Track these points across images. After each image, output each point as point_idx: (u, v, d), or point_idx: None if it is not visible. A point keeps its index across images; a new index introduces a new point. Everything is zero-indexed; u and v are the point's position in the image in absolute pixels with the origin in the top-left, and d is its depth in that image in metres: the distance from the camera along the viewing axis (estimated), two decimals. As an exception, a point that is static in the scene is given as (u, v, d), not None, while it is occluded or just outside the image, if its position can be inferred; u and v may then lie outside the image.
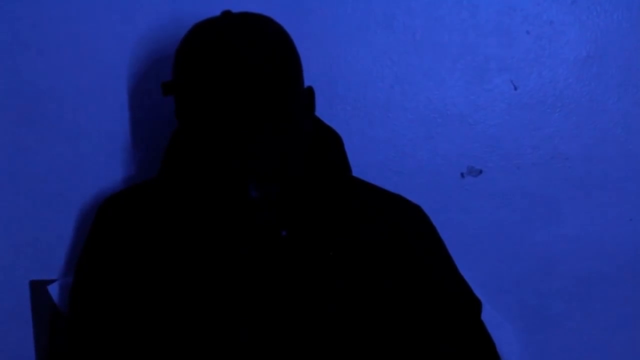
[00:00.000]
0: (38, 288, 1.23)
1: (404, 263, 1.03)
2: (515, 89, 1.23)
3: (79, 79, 1.20)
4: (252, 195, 0.94)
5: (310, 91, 1.02)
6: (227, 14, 0.97)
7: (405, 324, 1.03)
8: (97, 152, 1.21)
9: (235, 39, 0.92)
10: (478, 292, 1.09)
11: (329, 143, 1.07)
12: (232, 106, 0.91)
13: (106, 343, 1.04)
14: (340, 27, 1.21)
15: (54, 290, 1.21)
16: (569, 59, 1.23)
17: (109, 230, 1.06)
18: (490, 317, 1.12)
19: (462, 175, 1.25)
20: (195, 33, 0.95)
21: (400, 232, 1.04)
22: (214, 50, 0.91)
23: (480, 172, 1.25)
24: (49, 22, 1.19)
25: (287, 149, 0.96)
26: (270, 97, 0.92)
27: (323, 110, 1.11)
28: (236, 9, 0.99)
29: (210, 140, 0.94)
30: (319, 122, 1.09)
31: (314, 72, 1.17)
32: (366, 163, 1.17)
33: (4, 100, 1.20)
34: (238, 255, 0.99)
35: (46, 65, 1.20)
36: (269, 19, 0.98)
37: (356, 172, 1.09)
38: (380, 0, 1.20)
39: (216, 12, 0.99)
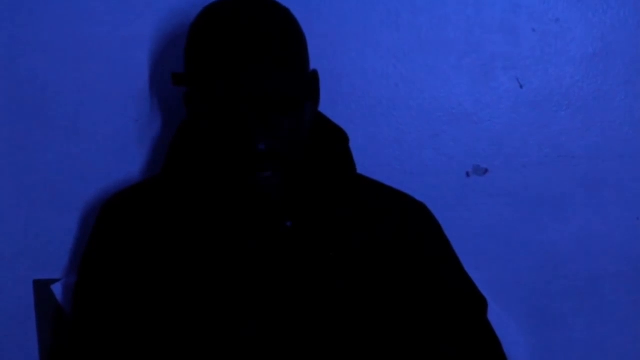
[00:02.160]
0: (42, 287, 1.23)
1: (409, 260, 1.03)
2: (521, 86, 1.23)
3: (81, 78, 1.20)
4: (259, 148, 0.93)
5: (314, 74, 1.03)
6: None
7: (410, 322, 1.03)
8: (100, 151, 1.21)
9: (242, 14, 0.93)
10: (484, 291, 1.09)
11: (335, 141, 1.07)
12: (241, 77, 0.91)
13: (109, 342, 1.04)
14: (345, 25, 1.21)
15: (57, 289, 1.22)
16: (575, 56, 1.22)
17: (112, 229, 1.07)
18: (496, 316, 1.12)
19: (468, 174, 1.25)
20: (205, 14, 0.97)
21: (405, 230, 1.05)
22: (222, 27, 0.93)
23: (486, 171, 1.25)
24: (51, 22, 1.19)
25: (292, 106, 0.95)
26: (274, 51, 0.92)
27: (328, 109, 1.11)
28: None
29: (216, 97, 0.94)
30: (327, 120, 1.09)
31: (320, 71, 1.17)
32: (371, 161, 1.17)
33: (7, 99, 1.21)
34: (243, 248, 1.00)
35: (49, 64, 1.20)
36: (276, 1, 0.99)
37: (361, 170, 1.09)
38: (385, -1, 1.21)
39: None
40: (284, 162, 0.96)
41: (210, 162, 1.00)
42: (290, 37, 0.95)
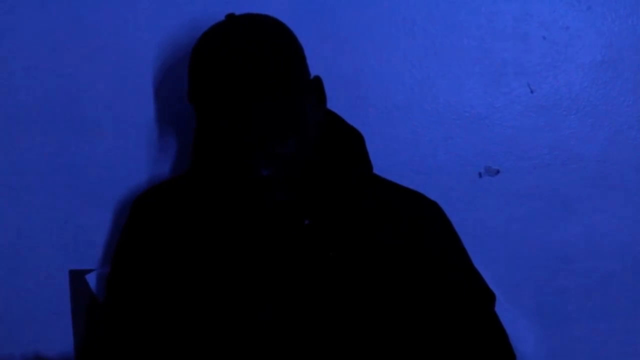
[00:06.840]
0: (77, 277, 1.26)
1: (421, 257, 1.05)
2: (532, 92, 1.24)
3: (116, 81, 1.23)
4: (262, 174, 0.95)
5: (317, 81, 1.04)
6: (230, 17, 1.00)
7: (420, 315, 1.05)
8: (133, 149, 1.24)
9: (234, 36, 0.95)
10: (494, 289, 1.10)
11: (352, 141, 1.09)
12: (232, 91, 0.93)
13: (139, 329, 1.08)
14: (364, 33, 1.23)
15: (92, 279, 1.25)
16: (585, 63, 1.23)
17: (143, 223, 1.10)
18: (507, 313, 1.14)
19: (480, 175, 1.26)
20: (201, 40, 0.99)
21: (417, 227, 1.06)
22: (216, 49, 0.94)
23: (498, 172, 1.26)
24: (87, 30, 1.23)
25: (292, 130, 0.96)
26: (269, 81, 0.93)
27: (347, 111, 1.13)
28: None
29: (219, 128, 0.96)
30: (342, 121, 1.11)
31: (339, 76, 1.21)
32: (387, 162, 1.17)
33: (47, 101, 1.24)
34: (264, 242, 1.02)
35: (86, 68, 1.23)
36: (269, 16, 1.00)
37: (377, 170, 1.11)
38: (401, 7, 1.22)
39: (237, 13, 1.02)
40: (290, 180, 0.97)
41: (221, 172, 1.01)
42: (284, 60, 0.95)
